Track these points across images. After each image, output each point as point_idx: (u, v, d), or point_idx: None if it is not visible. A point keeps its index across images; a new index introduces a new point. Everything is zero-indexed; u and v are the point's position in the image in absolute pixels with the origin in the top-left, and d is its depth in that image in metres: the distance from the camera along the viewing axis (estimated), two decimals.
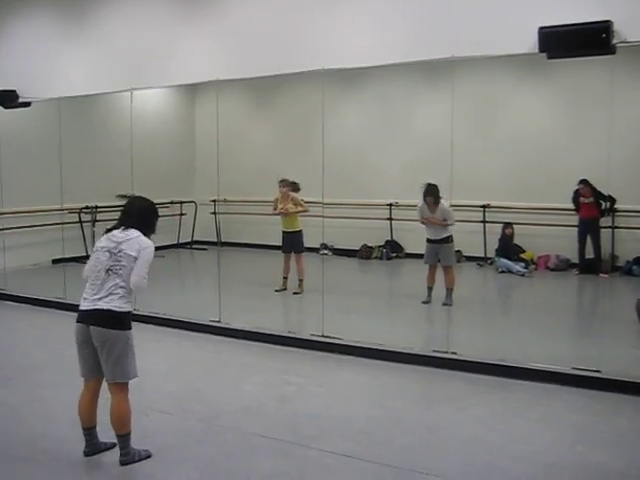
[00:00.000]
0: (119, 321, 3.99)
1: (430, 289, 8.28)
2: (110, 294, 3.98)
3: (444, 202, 7.93)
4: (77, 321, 4.10)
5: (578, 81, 9.84)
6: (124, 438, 4.05)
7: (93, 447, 4.19)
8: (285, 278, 9.23)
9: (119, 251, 4.05)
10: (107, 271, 4.01)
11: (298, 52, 6.92)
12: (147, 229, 4.26)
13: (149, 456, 4.14)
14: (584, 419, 4.88)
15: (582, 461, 4.16)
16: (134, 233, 4.14)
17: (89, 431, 4.18)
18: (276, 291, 9.14)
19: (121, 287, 4.00)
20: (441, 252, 8.11)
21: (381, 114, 12.20)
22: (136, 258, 4.04)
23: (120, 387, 4.04)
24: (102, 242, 4.17)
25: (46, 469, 4.08)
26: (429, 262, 8.23)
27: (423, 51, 6.17)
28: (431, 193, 7.96)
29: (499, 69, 10.30)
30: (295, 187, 9.23)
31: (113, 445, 4.20)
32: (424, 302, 8.23)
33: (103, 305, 3.96)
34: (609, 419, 4.85)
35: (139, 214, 4.30)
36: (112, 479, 3.95)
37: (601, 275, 9.54)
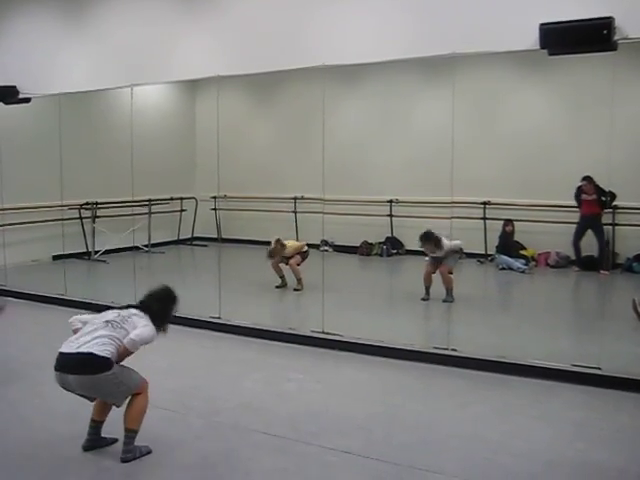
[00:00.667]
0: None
1: (428, 288, 8.32)
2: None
3: (446, 240, 8.04)
4: None
5: (579, 78, 9.83)
6: (132, 434, 4.04)
7: (93, 442, 4.19)
8: (282, 277, 9.27)
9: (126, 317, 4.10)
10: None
11: (298, 48, 6.92)
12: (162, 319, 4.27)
13: (149, 452, 4.14)
14: (584, 416, 4.88)
15: (582, 458, 4.16)
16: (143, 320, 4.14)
17: (96, 425, 4.18)
18: (276, 287, 9.16)
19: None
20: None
21: (381, 110, 12.20)
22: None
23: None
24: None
25: (46, 465, 4.07)
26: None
27: (423, 47, 6.16)
28: (426, 240, 8.13)
29: (500, 66, 10.29)
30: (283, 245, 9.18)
31: (113, 441, 4.21)
32: (423, 299, 8.28)
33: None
34: (609, 416, 4.85)
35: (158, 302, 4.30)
36: (112, 475, 3.94)
37: (602, 272, 9.53)
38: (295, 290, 9.01)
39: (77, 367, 3.86)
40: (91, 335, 3.94)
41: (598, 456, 4.20)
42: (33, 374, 5.75)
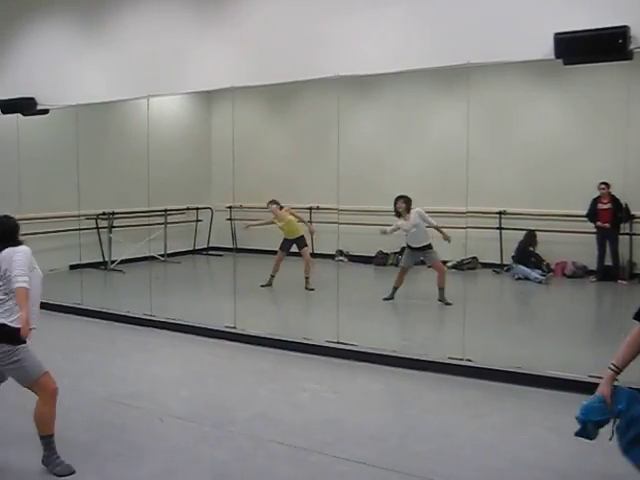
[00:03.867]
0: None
1: (395, 289, 8.74)
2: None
3: (420, 214, 8.62)
4: None
5: (595, 87, 9.77)
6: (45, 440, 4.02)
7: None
8: (272, 276, 9.69)
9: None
10: None
11: (313, 59, 6.95)
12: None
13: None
14: (602, 428, 4.82)
15: (600, 471, 4.12)
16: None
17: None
18: (262, 286, 9.63)
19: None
20: (425, 256, 8.64)
21: (396, 121, 12.19)
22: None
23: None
24: None
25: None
26: (407, 265, 8.79)
27: (438, 58, 6.17)
28: (400, 198, 8.71)
29: (515, 75, 10.26)
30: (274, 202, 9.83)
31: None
32: (386, 299, 8.69)
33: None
34: None
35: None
36: None
37: (620, 282, 9.46)
38: (307, 290, 9.15)
39: None
40: None
41: (616, 470, 4.13)
42: None
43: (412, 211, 8.63)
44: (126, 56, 8.41)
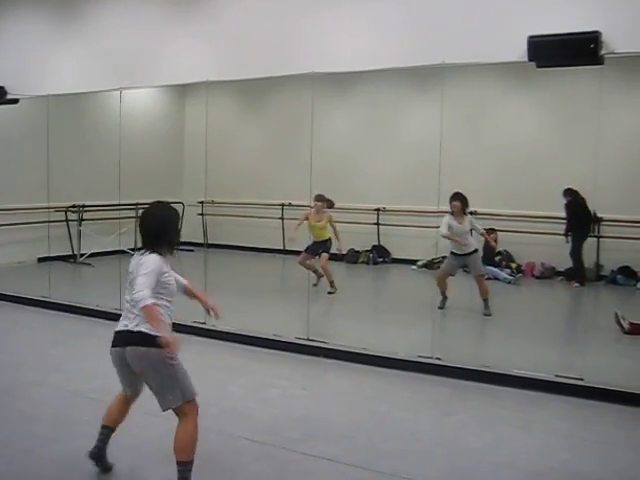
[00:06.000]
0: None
1: (444, 293, 8.27)
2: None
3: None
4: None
5: (567, 90, 9.92)
6: (181, 467, 3.65)
7: (99, 450, 3.90)
8: (315, 271, 9.48)
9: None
10: None
11: (288, 55, 6.93)
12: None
13: None
14: (568, 426, 4.90)
15: (566, 468, 4.18)
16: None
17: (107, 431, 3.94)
18: (314, 285, 9.38)
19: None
20: (469, 263, 8.19)
21: (370, 119, 12.24)
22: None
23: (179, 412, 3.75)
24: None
25: (30, 470, 4.03)
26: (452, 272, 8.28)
27: (413, 57, 6.20)
28: (455, 197, 7.97)
29: (489, 76, 10.35)
30: (330, 203, 9.45)
31: (110, 468, 3.98)
32: (440, 307, 8.22)
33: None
34: (593, 427, 4.87)
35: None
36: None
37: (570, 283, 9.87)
38: (329, 293, 9.13)
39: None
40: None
41: (581, 467, 4.22)
42: (16, 376, 5.71)
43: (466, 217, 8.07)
44: (99, 47, 8.29)
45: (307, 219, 9.36)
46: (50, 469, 4.03)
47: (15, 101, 9.06)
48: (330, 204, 9.44)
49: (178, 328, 7.23)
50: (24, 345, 6.75)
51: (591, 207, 9.27)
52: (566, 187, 9.79)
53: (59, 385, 5.46)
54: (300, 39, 6.88)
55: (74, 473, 3.98)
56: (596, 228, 9.91)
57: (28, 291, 8.81)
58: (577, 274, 9.80)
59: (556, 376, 5.62)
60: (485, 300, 8.10)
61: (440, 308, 8.17)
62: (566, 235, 9.82)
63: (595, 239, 10.02)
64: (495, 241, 10.40)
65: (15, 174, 10.16)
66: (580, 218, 9.67)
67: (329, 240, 9.47)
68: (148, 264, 3.72)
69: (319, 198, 9.23)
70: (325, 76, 6.79)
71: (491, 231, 10.64)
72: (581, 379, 5.51)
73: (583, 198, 9.50)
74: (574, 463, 4.26)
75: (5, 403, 5.13)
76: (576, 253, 9.77)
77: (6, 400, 5.19)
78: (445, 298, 8.25)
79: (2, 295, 8.97)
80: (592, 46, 5.21)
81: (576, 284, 9.87)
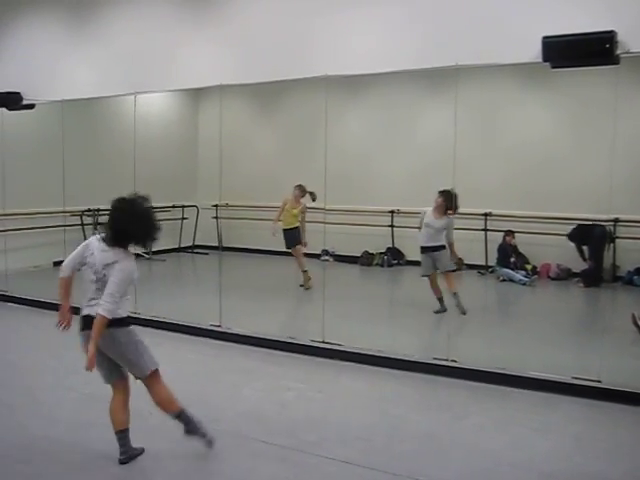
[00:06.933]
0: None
1: (440, 299, 8.12)
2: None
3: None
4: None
5: (582, 90, 9.85)
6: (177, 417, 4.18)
7: (127, 453, 4.09)
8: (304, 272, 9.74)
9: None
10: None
11: (302, 58, 6.95)
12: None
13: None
14: (584, 429, 4.87)
15: (580, 471, 4.15)
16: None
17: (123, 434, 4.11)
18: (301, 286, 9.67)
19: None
20: (437, 258, 8.05)
21: (384, 121, 12.22)
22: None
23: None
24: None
25: (46, 472, 4.06)
26: (428, 272, 8.13)
27: (427, 59, 6.19)
28: (443, 193, 7.84)
29: (503, 77, 10.31)
30: (313, 197, 9.52)
31: (143, 450, 4.21)
32: (437, 312, 8.08)
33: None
34: (609, 429, 4.84)
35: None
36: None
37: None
38: (301, 286, 9.16)
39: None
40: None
41: (596, 469, 4.19)
42: (33, 380, 5.75)
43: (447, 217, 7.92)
44: (114, 52, 8.35)
45: (285, 205, 9.82)
46: (68, 471, 4.06)
47: (31, 106, 9.14)
48: (313, 197, 9.57)
49: (194, 331, 7.35)
50: (42, 348, 6.79)
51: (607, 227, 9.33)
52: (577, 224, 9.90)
53: (76, 388, 5.50)
54: (313, 42, 6.89)
55: (92, 476, 4.01)
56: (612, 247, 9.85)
57: (45, 295, 8.86)
58: (590, 275, 9.76)
59: (573, 378, 5.58)
60: (455, 294, 7.94)
61: (437, 312, 8.03)
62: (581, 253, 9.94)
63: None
64: (512, 243, 10.40)
65: (31, 179, 10.22)
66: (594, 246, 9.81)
67: (297, 229, 9.87)
68: (126, 272, 4.15)
69: (299, 188, 9.75)
70: (338, 79, 6.80)
71: (510, 233, 10.64)
72: (599, 381, 5.46)
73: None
74: (589, 465, 4.23)
75: (24, 406, 5.17)
76: (597, 253, 9.79)
77: (25, 402, 5.23)
78: (442, 303, 8.09)
79: (19, 299, 9.05)
80: (607, 46, 5.18)
81: (580, 284, 9.86)
